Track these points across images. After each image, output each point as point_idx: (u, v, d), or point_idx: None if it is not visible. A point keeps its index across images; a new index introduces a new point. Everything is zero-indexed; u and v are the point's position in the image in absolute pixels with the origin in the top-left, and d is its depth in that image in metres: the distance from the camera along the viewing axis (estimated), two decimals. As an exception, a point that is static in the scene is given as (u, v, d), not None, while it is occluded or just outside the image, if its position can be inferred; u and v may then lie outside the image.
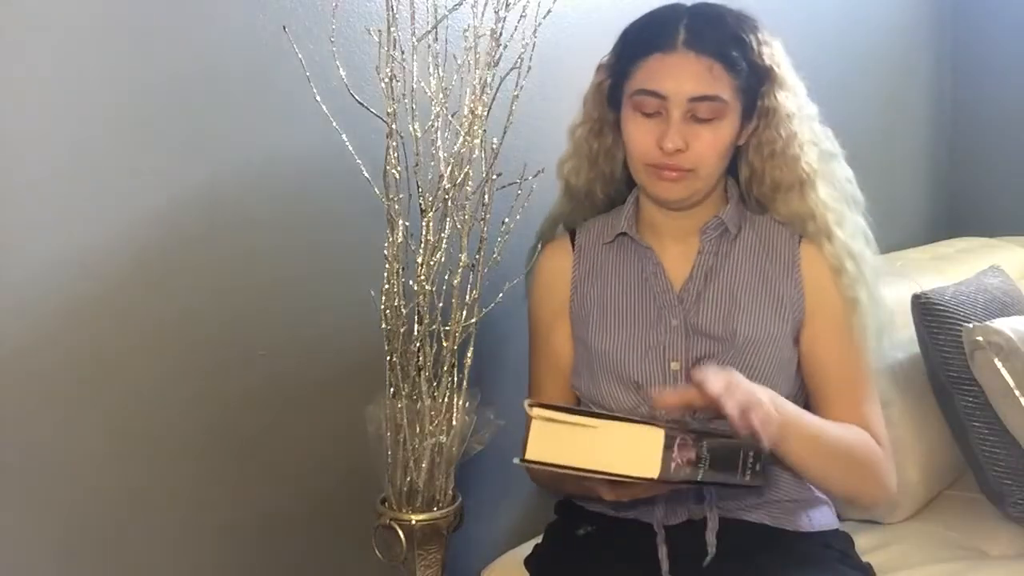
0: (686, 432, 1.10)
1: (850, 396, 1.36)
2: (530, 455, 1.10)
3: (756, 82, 1.32)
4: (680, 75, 1.27)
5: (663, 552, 1.30)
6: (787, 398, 1.33)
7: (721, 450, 1.15)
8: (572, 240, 1.45)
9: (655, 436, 1.05)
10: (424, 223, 1.30)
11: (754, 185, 1.39)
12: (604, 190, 1.45)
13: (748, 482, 1.19)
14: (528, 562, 1.43)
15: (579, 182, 1.43)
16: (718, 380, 1.13)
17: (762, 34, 1.33)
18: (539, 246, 1.48)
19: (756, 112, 1.34)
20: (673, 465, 1.06)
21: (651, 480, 1.05)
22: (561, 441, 1.10)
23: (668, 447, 1.05)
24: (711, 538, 1.30)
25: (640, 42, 1.32)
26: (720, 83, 1.28)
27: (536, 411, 1.11)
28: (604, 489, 1.16)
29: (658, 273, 1.38)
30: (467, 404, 1.33)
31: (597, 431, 1.09)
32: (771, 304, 1.36)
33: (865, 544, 1.49)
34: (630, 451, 1.06)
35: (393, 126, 1.27)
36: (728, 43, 1.29)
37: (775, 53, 1.34)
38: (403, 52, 1.27)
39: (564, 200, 1.47)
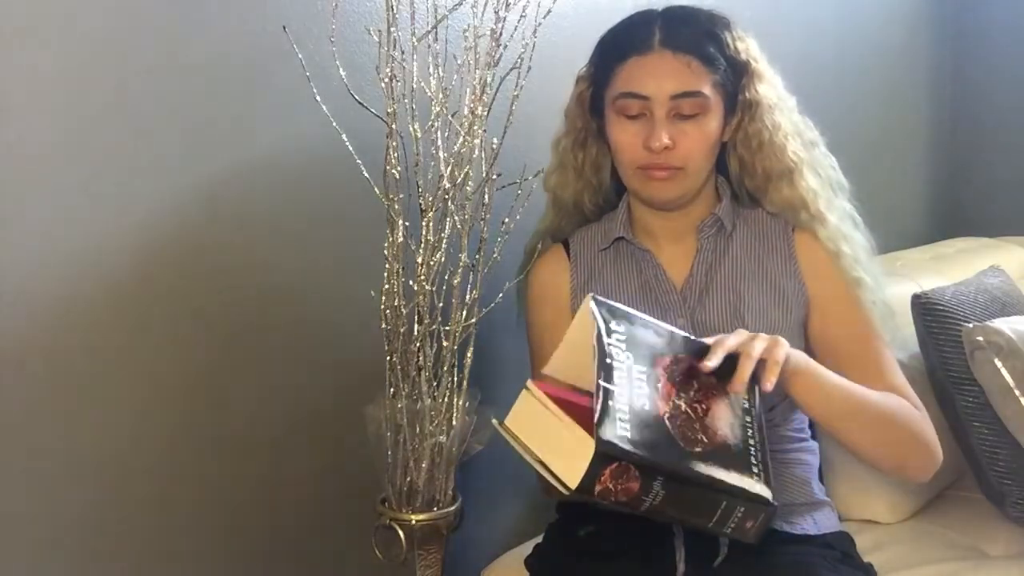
0: (650, 468, 1.04)
1: (873, 370, 1.34)
2: (508, 422, 1.12)
3: (735, 76, 1.34)
4: (660, 74, 1.29)
5: (681, 554, 1.29)
6: None
7: (689, 495, 1.07)
8: (566, 249, 1.45)
9: (587, 449, 1.01)
10: (424, 223, 1.30)
11: (746, 178, 1.40)
12: (593, 200, 1.45)
13: (730, 535, 1.11)
14: (529, 562, 1.43)
15: (567, 194, 1.44)
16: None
17: (736, 31, 1.35)
18: (532, 260, 1.46)
19: (738, 106, 1.35)
20: (599, 487, 1.02)
21: (568, 489, 1.02)
22: (535, 420, 1.10)
23: (600, 466, 1.01)
24: (723, 539, 1.29)
25: (616, 47, 1.34)
26: (700, 78, 1.30)
27: (531, 387, 1.13)
28: None
29: (659, 274, 1.38)
30: (467, 404, 1.33)
31: (562, 425, 1.08)
32: (773, 298, 1.36)
33: (865, 544, 1.49)
34: (570, 455, 1.04)
35: (393, 126, 1.27)
36: (703, 39, 1.31)
37: (750, 48, 1.36)
38: (403, 52, 1.27)
39: (552, 213, 1.47)
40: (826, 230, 1.37)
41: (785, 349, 1.16)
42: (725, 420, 1.12)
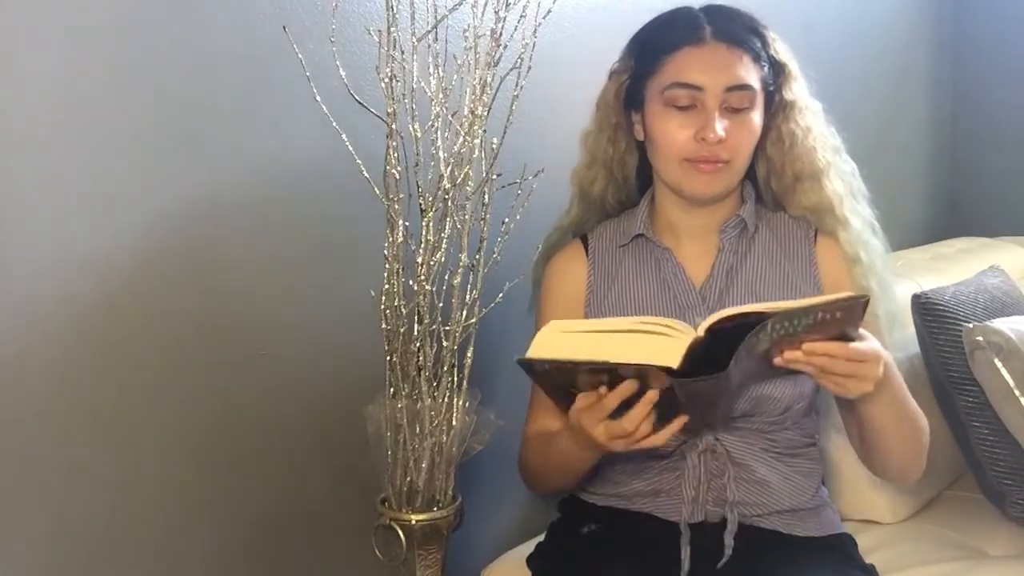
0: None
1: None
2: (532, 353, 1.12)
3: (774, 76, 1.35)
4: (714, 65, 1.29)
5: (686, 553, 1.29)
6: (810, 392, 1.37)
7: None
8: (584, 245, 1.45)
9: (681, 343, 1.06)
10: (424, 223, 1.30)
11: (773, 179, 1.41)
12: (615, 196, 1.45)
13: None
14: (531, 560, 1.43)
15: (595, 189, 1.44)
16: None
17: (771, 32, 1.37)
18: (547, 255, 1.47)
19: (775, 105, 1.36)
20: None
21: (668, 369, 1.05)
22: (569, 340, 1.11)
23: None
24: (729, 540, 1.29)
25: (664, 38, 1.34)
26: (750, 72, 1.31)
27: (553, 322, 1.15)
28: (619, 443, 1.16)
29: (678, 273, 1.38)
30: (467, 404, 1.33)
31: (615, 334, 1.10)
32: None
33: (866, 544, 1.49)
34: (650, 347, 1.07)
35: (393, 126, 1.27)
36: (751, 35, 1.33)
37: (786, 50, 1.37)
38: (403, 52, 1.27)
39: (578, 208, 1.47)
40: (847, 234, 1.38)
41: (873, 381, 1.19)
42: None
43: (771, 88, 1.35)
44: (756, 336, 1.09)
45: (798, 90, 1.37)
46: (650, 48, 1.35)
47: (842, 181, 1.40)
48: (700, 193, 1.34)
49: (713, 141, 1.28)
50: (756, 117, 1.32)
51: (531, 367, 1.14)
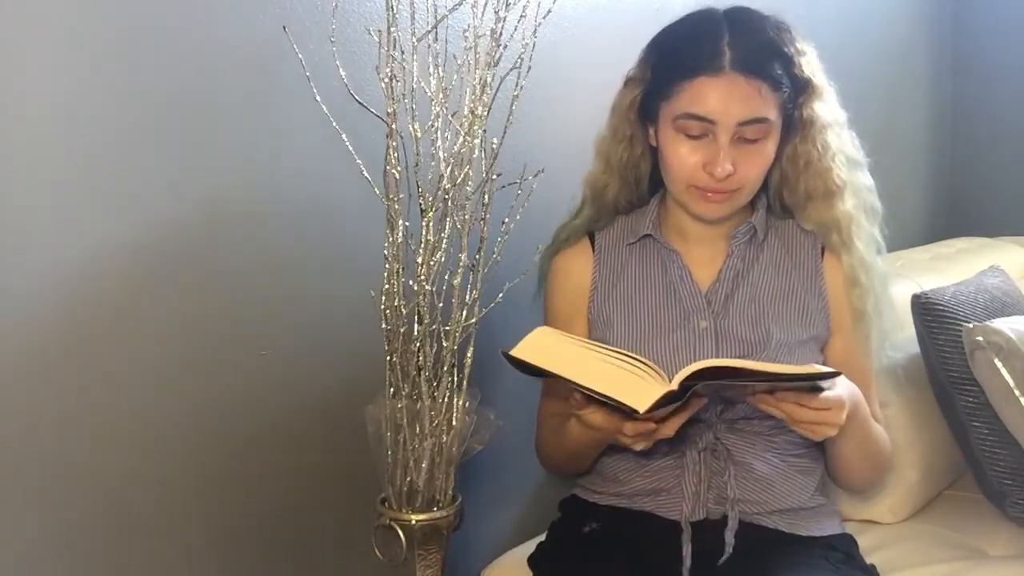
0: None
1: (867, 400, 1.38)
2: (517, 352, 1.15)
3: (796, 95, 1.32)
4: (729, 99, 1.25)
5: (687, 550, 1.29)
6: None
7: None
8: (591, 241, 1.45)
9: (654, 390, 1.10)
10: (424, 223, 1.30)
11: (785, 192, 1.40)
12: (627, 199, 1.45)
13: None
14: (532, 560, 1.43)
15: (609, 193, 1.43)
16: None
17: (799, 43, 1.32)
18: (554, 249, 1.47)
19: (793, 123, 1.34)
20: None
21: (634, 411, 1.10)
22: (557, 350, 1.14)
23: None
24: (730, 537, 1.30)
25: (683, 58, 1.29)
26: (767, 104, 1.27)
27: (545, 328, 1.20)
28: (627, 432, 1.17)
29: (684, 276, 1.38)
30: (467, 404, 1.33)
31: (602, 356, 1.14)
32: (798, 312, 1.38)
33: (866, 544, 1.49)
34: (625, 383, 1.11)
35: (393, 126, 1.27)
36: (773, 60, 1.28)
37: (812, 62, 1.34)
38: (403, 52, 1.27)
39: (590, 210, 1.46)
40: (850, 257, 1.38)
41: (837, 428, 1.21)
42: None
43: (790, 109, 1.32)
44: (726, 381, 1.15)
45: (820, 107, 1.34)
46: (666, 67, 1.31)
47: (856, 200, 1.38)
48: (706, 216, 1.35)
49: (720, 176, 1.27)
50: (770, 146, 1.30)
51: (512, 361, 1.17)
